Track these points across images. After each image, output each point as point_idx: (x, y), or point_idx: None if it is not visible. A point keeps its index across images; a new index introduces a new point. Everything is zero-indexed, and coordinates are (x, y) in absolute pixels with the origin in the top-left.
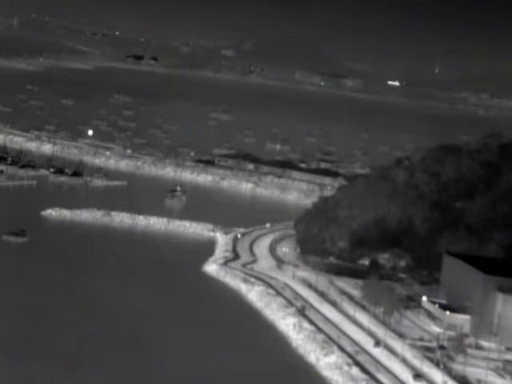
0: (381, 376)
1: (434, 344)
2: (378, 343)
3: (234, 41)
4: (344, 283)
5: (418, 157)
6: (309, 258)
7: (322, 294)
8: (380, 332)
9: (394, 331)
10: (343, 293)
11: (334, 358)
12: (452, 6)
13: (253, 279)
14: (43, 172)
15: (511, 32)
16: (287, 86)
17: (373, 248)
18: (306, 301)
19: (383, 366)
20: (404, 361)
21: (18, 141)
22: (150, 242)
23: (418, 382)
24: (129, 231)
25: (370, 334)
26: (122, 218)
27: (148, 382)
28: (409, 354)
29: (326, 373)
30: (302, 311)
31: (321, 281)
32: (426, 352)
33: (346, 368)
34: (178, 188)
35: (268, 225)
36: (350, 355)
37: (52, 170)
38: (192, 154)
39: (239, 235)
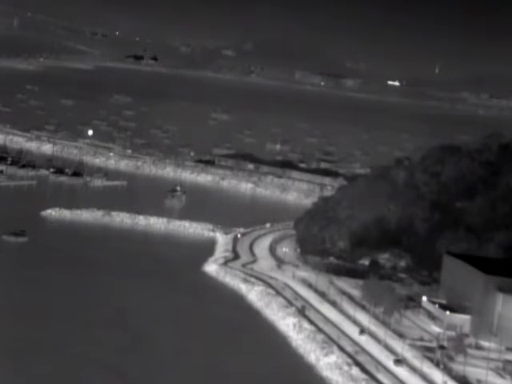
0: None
1: (434, 344)
2: (362, 331)
3: (234, 41)
4: (344, 283)
5: (418, 157)
6: (309, 258)
7: (322, 294)
8: (380, 332)
9: (394, 331)
10: (343, 293)
11: (334, 357)
12: (452, 6)
13: (253, 279)
14: (43, 172)
15: (511, 32)
16: (287, 85)
17: (373, 248)
18: (306, 301)
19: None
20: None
21: (18, 141)
22: (150, 242)
23: (399, 367)
24: (129, 231)
25: (371, 334)
26: (122, 218)
27: (148, 381)
28: (409, 353)
29: (326, 373)
30: (302, 311)
31: (321, 281)
32: (426, 352)
33: (346, 368)
34: (178, 188)
35: (268, 225)
36: (350, 355)
37: (52, 170)
38: (192, 154)
39: (239, 235)
